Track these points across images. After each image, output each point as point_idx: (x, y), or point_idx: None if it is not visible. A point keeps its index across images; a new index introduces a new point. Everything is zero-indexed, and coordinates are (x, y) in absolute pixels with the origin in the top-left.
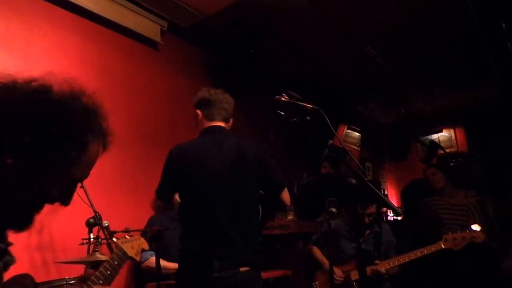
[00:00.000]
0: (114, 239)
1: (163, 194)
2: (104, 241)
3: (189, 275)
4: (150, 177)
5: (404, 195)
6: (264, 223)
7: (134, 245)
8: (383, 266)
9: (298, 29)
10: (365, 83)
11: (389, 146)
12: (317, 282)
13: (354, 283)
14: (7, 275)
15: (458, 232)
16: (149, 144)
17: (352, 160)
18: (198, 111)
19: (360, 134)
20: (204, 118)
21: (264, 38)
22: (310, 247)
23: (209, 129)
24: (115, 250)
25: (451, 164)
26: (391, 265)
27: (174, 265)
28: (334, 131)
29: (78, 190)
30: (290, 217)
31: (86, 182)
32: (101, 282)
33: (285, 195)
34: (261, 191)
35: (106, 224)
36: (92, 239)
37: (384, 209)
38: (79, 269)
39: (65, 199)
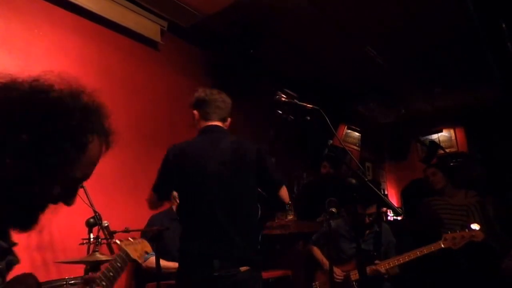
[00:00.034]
0: (118, 241)
1: (161, 190)
2: (104, 241)
3: (189, 275)
4: (150, 177)
5: (404, 195)
6: (263, 222)
7: (137, 248)
8: (383, 266)
9: (298, 29)
10: (365, 83)
11: (389, 146)
12: (317, 282)
13: (354, 283)
14: (10, 275)
15: (458, 231)
16: (149, 144)
17: (352, 160)
18: (195, 112)
19: (360, 134)
20: (201, 118)
21: (264, 38)
22: (310, 247)
23: (206, 129)
24: (118, 252)
25: (451, 164)
26: (391, 265)
27: (174, 265)
28: (334, 131)
29: (78, 190)
30: (290, 217)
31: (86, 182)
32: (103, 283)
33: (284, 193)
34: (260, 190)
35: (106, 224)
36: (92, 239)
37: (384, 209)
38: (79, 269)
39: (68, 199)
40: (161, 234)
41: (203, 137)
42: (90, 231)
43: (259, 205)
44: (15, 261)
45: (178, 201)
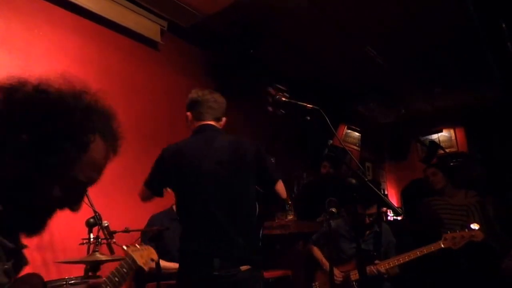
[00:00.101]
0: (124, 247)
1: (154, 186)
2: (104, 241)
3: (189, 274)
4: None
5: (404, 195)
6: (262, 220)
7: (144, 254)
8: (383, 266)
9: (298, 29)
10: (365, 83)
11: (389, 146)
12: (317, 283)
13: (354, 283)
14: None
15: (457, 231)
16: (149, 144)
17: (352, 160)
18: (188, 113)
19: (360, 134)
20: (194, 119)
21: (264, 38)
22: (310, 247)
23: (199, 128)
24: (124, 258)
25: (451, 164)
26: (391, 265)
27: (174, 265)
28: (334, 131)
29: (84, 195)
30: (290, 217)
31: None
32: None
33: (280, 188)
34: (257, 187)
35: (106, 224)
36: (92, 239)
37: (384, 209)
38: (79, 269)
39: (73, 204)
40: (161, 234)
41: (197, 136)
42: (90, 231)
43: (257, 203)
44: (23, 262)
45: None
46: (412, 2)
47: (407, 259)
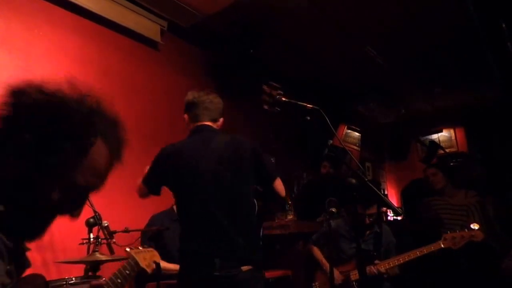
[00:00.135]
0: (127, 249)
1: (151, 185)
2: (104, 241)
3: (190, 274)
4: None
5: (404, 195)
6: (261, 218)
7: (146, 256)
8: (383, 266)
9: (298, 29)
10: (365, 83)
11: (389, 146)
12: (316, 283)
13: (354, 283)
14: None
15: (457, 231)
16: (149, 144)
17: (352, 160)
18: (185, 115)
19: (360, 134)
20: (190, 121)
21: (264, 38)
22: (310, 247)
23: (196, 129)
24: (127, 259)
25: (451, 164)
26: (391, 265)
27: (175, 266)
28: (334, 131)
29: (85, 201)
30: (290, 217)
31: None
32: None
33: (279, 185)
34: (257, 186)
35: (106, 224)
36: (92, 239)
37: (384, 209)
38: (79, 269)
39: (72, 208)
40: (160, 234)
41: (194, 137)
42: (90, 231)
43: (256, 201)
44: (26, 264)
45: None
46: (412, 2)
47: (407, 259)
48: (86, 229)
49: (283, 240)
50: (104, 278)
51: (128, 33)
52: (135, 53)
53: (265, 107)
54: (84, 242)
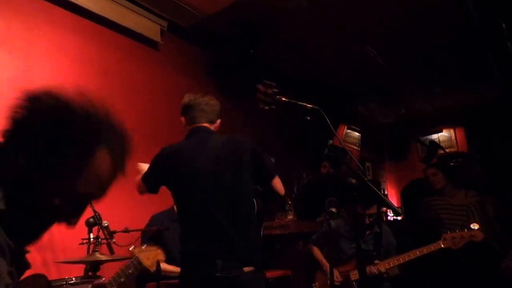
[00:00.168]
0: (131, 248)
1: (149, 183)
2: (104, 241)
3: (191, 275)
4: None
5: (404, 195)
6: (261, 218)
7: (150, 256)
8: (383, 266)
9: (298, 29)
10: (365, 83)
11: (389, 146)
12: (316, 283)
13: (354, 283)
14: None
15: (457, 231)
16: (149, 144)
17: (352, 160)
18: (182, 118)
19: (360, 134)
20: (187, 123)
21: (264, 38)
22: (310, 247)
23: (193, 130)
24: (131, 259)
25: (451, 164)
26: (391, 265)
27: (175, 268)
28: (334, 131)
29: (84, 210)
30: (290, 217)
31: None
32: None
33: (278, 183)
34: (257, 186)
35: (106, 224)
36: (92, 239)
37: (384, 209)
38: (79, 269)
39: (70, 216)
40: (160, 234)
41: (191, 138)
42: (90, 231)
43: (255, 200)
44: (26, 266)
45: None
46: (412, 2)
47: (407, 259)
48: (86, 229)
49: (283, 240)
50: (104, 278)
51: (128, 33)
52: (135, 53)
53: (261, 106)
54: (84, 242)
